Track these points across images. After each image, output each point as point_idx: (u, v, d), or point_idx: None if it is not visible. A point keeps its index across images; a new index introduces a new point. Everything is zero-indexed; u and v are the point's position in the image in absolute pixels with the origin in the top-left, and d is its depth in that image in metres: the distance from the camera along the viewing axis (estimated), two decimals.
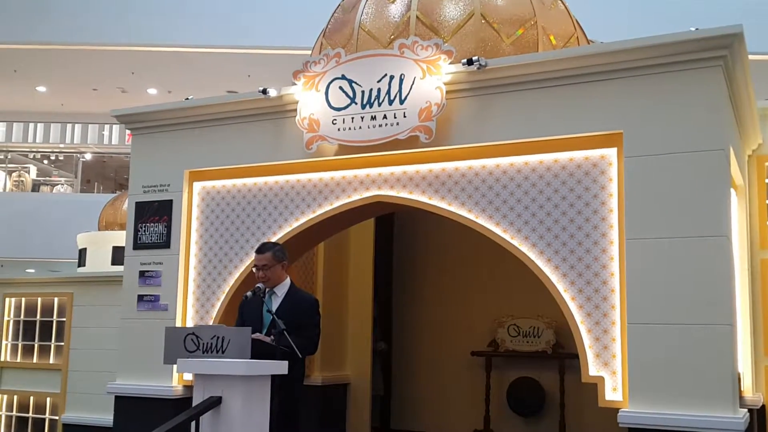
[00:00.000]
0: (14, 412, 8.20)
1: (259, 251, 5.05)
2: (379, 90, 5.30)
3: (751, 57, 4.97)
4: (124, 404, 6.05)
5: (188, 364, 4.18)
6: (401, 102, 5.22)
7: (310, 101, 5.53)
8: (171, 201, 6.15)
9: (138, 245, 6.24)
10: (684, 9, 13.29)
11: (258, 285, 4.93)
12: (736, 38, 4.47)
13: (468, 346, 7.75)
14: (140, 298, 6.15)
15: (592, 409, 5.21)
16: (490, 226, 5.12)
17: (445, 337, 8.01)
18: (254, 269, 5.04)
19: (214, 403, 3.87)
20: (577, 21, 6.38)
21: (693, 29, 4.59)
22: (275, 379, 4.21)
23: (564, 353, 7.33)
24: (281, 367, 4.15)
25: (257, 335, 4.65)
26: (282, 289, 5.01)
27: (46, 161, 19.86)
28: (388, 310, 8.25)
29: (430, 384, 8.05)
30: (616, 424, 4.55)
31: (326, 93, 5.47)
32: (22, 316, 8.40)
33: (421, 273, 8.27)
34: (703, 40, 4.50)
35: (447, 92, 5.14)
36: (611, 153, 4.81)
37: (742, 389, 5.35)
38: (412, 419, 8.05)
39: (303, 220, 5.74)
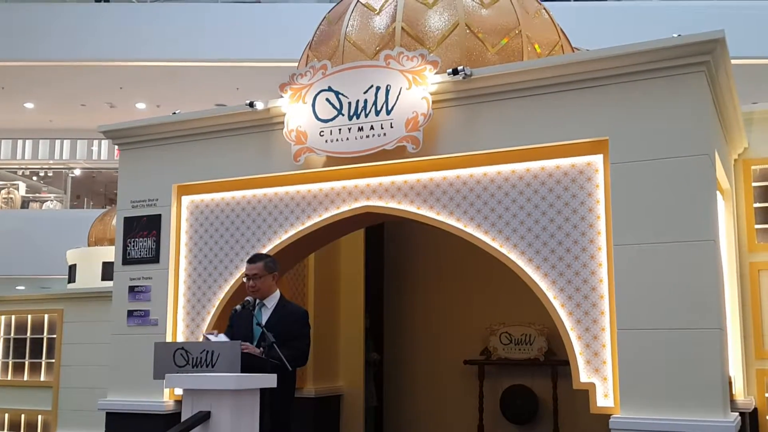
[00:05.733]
0: (6, 431, 8.14)
1: (250, 261, 5.06)
2: (365, 101, 5.31)
3: (735, 61, 5.01)
4: (116, 420, 6.00)
5: (176, 379, 4.16)
6: (388, 113, 5.23)
7: (297, 113, 5.53)
8: (159, 216, 6.13)
9: (127, 260, 6.22)
10: (666, 16, 13.38)
11: (247, 298, 4.92)
12: (718, 43, 4.50)
13: (460, 354, 7.75)
14: (130, 313, 6.12)
15: (585, 416, 5.20)
16: (479, 234, 5.12)
17: (437, 346, 8.00)
18: (245, 279, 5.03)
19: (202, 418, 3.84)
20: (561, 29, 6.41)
21: (675, 35, 4.62)
22: (265, 392, 4.19)
23: (556, 360, 7.33)
24: (270, 380, 4.13)
25: (247, 345, 4.64)
26: (272, 302, 5.01)
27: (35, 178, 19.75)
28: (380, 320, 8.24)
29: (424, 394, 8.03)
30: (609, 431, 4.54)
31: (313, 105, 5.48)
32: (12, 334, 8.36)
33: (413, 283, 8.26)
34: (686, 46, 4.53)
35: (433, 102, 5.15)
36: (597, 160, 4.83)
37: (733, 393, 5.37)
38: (406, 430, 8.03)
39: (292, 232, 5.73)
